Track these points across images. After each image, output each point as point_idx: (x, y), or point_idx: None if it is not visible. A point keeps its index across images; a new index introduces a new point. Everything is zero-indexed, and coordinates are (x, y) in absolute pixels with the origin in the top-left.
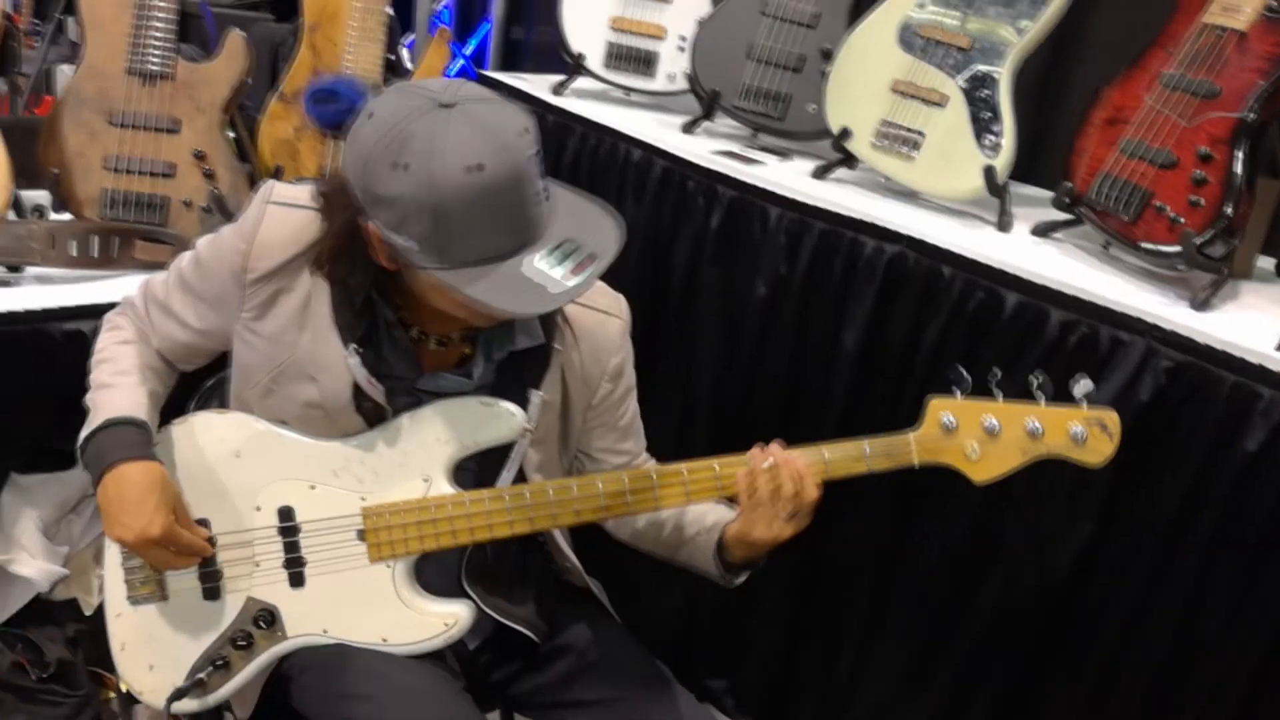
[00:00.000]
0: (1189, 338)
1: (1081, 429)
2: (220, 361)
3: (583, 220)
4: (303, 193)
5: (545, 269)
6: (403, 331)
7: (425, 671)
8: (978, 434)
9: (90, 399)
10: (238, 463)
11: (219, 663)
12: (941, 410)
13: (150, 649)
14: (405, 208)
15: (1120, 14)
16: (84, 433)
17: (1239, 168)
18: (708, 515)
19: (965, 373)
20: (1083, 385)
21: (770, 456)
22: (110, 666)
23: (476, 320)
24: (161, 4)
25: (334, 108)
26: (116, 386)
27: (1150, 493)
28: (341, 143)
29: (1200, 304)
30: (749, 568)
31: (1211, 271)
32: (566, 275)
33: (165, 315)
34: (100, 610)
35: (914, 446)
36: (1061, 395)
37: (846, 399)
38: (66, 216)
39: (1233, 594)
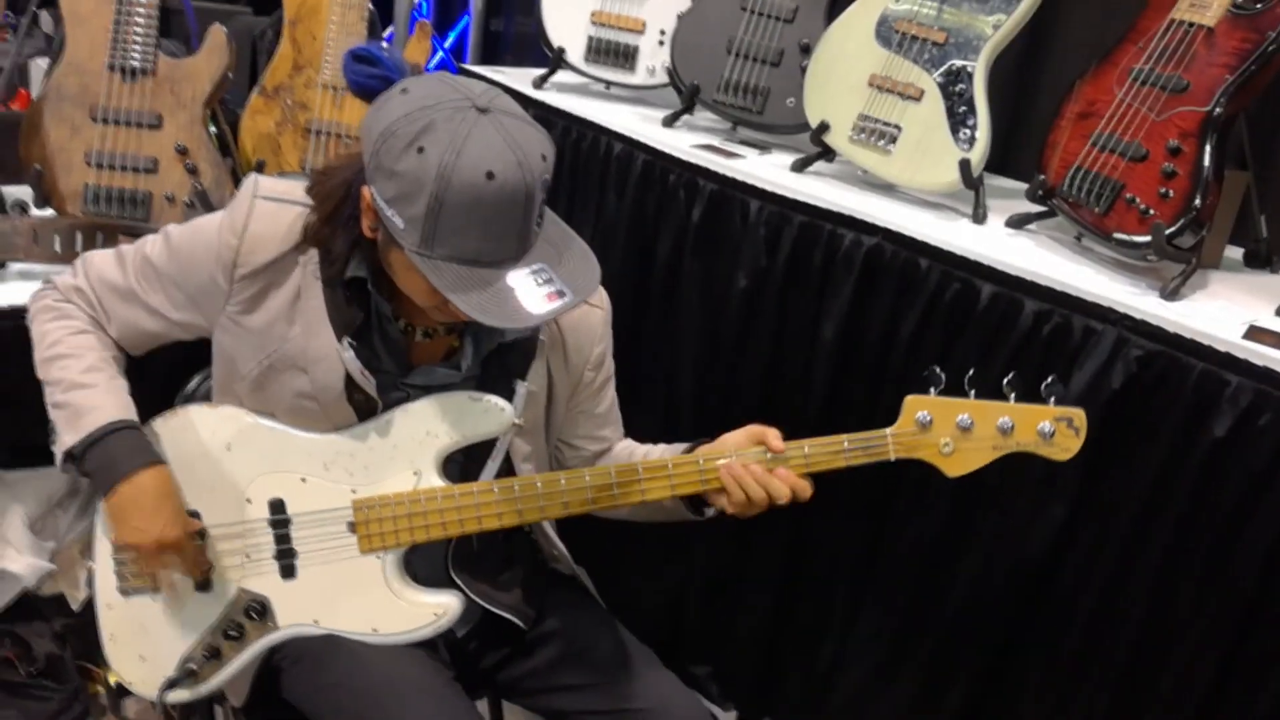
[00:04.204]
0: (1159, 326)
1: (1050, 426)
2: (201, 360)
3: (569, 257)
4: (290, 188)
5: (518, 289)
6: (394, 324)
7: (415, 661)
8: (951, 430)
9: (64, 398)
10: (229, 455)
11: (210, 653)
12: (917, 408)
13: (141, 640)
14: (407, 188)
15: (1093, 9)
16: (75, 438)
17: (1207, 160)
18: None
19: (940, 371)
20: (1052, 385)
21: (752, 475)
22: (98, 660)
23: (440, 314)
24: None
25: (368, 71)
26: (95, 386)
27: (1121, 478)
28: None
29: (1170, 293)
30: None
31: (1181, 261)
32: (538, 300)
33: (128, 303)
34: (87, 605)
35: (891, 442)
36: (1032, 392)
37: (826, 388)
38: (49, 212)
39: (1202, 576)
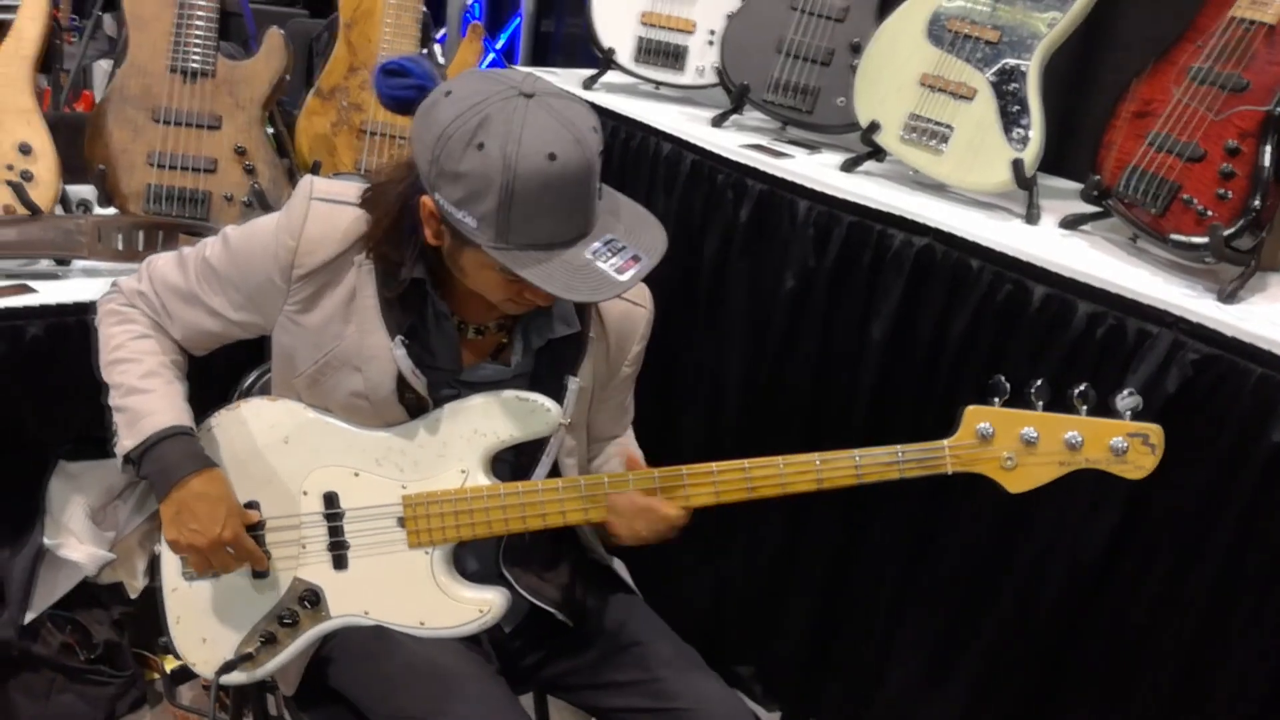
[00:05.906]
0: (1216, 330)
1: (1123, 442)
2: (259, 357)
3: (628, 221)
4: (345, 188)
5: (596, 261)
6: (449, 321)
7: (461, 655)
8: (1015, 444)
9: (123, 402)
10: (286, 449)
11: (266, 638)
12: (978, 419)
13: (204, 623)
14: (475, 185)
15: (1149, 7)
16: (132, 442)
17: (1267, 161)
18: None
19: (1005, 381)
20: (1127, 398)
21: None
22: (154, 648)
23: (514, 306)
24: (203, 3)
25: (402, 83)
26: (152, 391)
27: (1177, 484)
28: (384, 142)
29: (1227, 296)
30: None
31: (1239, 264)
32: (615, 270)
33: (190, 304)
34: (144, 593)
35: (948, 455)
36: (1104, 404)
37: (874, 390)
38: (112, 211)
39: (1259, 584)
